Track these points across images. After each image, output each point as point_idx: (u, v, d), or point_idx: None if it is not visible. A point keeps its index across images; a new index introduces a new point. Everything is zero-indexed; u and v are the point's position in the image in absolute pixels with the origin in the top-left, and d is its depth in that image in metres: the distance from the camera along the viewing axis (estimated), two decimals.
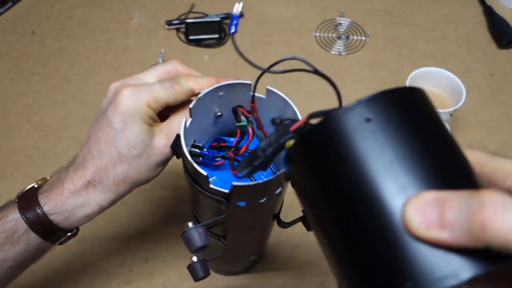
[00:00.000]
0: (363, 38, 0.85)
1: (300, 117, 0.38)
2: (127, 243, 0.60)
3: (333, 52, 0.83)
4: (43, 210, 0.38)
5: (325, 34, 0.86)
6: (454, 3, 0.93)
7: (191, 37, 0.83)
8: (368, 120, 0.22)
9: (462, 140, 0.70)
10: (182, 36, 0.85)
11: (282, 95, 0.41)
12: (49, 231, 0.39)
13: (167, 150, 0.39)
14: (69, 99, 0.75)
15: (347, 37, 0.86)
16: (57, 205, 0.38)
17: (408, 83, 0.63)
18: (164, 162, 0.41)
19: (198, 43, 0.83)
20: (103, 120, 0.38)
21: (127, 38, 0.85)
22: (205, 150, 0.40)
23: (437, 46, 0.84)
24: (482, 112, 0.75)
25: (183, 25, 0.85)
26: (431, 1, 0.93)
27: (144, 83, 0.39)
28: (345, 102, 0.82)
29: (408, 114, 0.22)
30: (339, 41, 0.85)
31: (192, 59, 0.81)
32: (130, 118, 0.37)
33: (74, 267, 0.57)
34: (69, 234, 0.42)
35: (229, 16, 0.87)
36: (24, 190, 0.40)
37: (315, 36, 0.86)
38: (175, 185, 0.65)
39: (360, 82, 0.78)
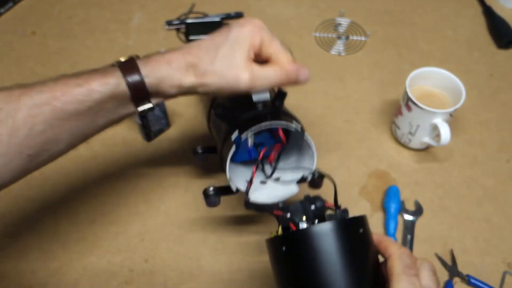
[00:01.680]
0: (363, 38, 0.85)
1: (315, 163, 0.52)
2: (127, 243, 0.60)
3: (333, 52, 0.83)
4: (141, 74, 0.43)
5: (325, 34, 0.86)
6: (454, 3, 0.93)
7: (191, 37, 0.83)
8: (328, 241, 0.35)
9: (462, 140, 0.71)
10: (182, 36, 0.85)
11: (313, 148, 0.51)
12: (140, 94, 0.44)
13: (246, 80, 0.44)
14: None
15: (347, 37, 0.86)
16: (152, 68, 0.43)
17: (408, 83, 0.63)
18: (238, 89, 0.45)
19: None
20: (225, 30, 0.45)
21: (127, 38, 0.85)
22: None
23: (437, 46, 0.84)
24: (481, 112, 0.75)
25: (184, 25, 0.85)
26: (431, 1, 0.93)
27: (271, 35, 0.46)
28: (345, 102, 0.82)
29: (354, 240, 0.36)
30: (339, 41, 0.85)
31: None
32: (242, 44, 0.44)
33: (74, 267, 0.57)
34: (149, 106, 0.45)
35: (229, 16, 0.87)
36: (124, 59, 0.45)
37: (315, 36, 0.86)
38: (176, 185, 0.65)
39: (360, 82, 0.78)
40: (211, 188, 0.53)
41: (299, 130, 0.50)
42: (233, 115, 0.51)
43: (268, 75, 0.45)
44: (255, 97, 0.49)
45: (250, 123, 0.48)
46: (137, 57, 0.45)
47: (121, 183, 0.65)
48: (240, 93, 0.45)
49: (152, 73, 0.44)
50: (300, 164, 0.53)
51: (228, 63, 0.44)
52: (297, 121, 0.52)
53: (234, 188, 0.50)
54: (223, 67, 0.44)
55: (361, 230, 0.37)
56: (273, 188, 0.53)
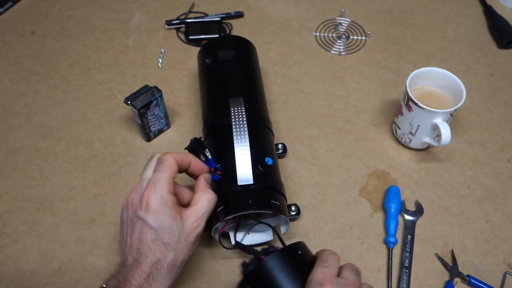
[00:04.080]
0: (363, 38, 0.85)
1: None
2: None
3: (333, 52, 0.83)
4: None
5: (325, 34, 0.86)
6: (454, 3, 0.93)
7: (191, 37, 0.83)
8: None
9: (463, 140, 0.70)
10: (182, 36, 0.85)
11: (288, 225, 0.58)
12: None
13: (198, 229, 0.47)
14: (69, 99, 0.75)
15: (347, 37, 0.85)
16: None
17: (408, 82, 0.63)
18: (198, 238, 0.48)
19: (198, 43, 0.83)
20: (138, 224, 0.45)
21: (127, 38, 0.84)
22: None
23: (437, 46, 0.84)
24: (482, 112, 0.74)
25: (183, 25, 0.85)
26: (431, 1, 0.93)
27: (150, 180, 0.47)
28: (345, 102, 0.82)
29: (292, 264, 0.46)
30: (339, 41, 0.85)
31: (192, 59, 0.80)
32: (162, 213, 0.45)
33: (74, 267, 0.57)
34: None
35: (229, 16, 0.87)
36: None
37: (315, 36, 0.86)
38: None
39: (360, 82, 0.78)
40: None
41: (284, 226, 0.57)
42: (220, 191, 0.53)
43: (201, 201, 0.49)
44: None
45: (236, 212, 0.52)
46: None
47: (121, 183, 0.65)
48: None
49: None
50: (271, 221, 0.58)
51: (175, 237, 0.45)
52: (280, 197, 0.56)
53: (232, 241, 0.57)
54: (175, 245, 0.45)
55: (299, 252, 0.47)
56: (252, 235, 0.58)
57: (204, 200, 0.49)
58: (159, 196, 0.45)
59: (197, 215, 0.47)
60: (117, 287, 0.44)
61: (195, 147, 0.53)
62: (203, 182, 0.51)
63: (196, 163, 0.52)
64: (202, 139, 0.59)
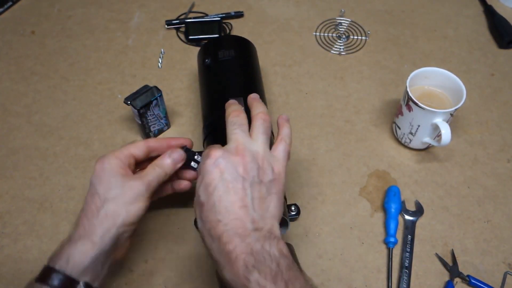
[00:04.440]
0: (363, 38, 0.85)
1: None
2: None
3: (333, 51, 0.83)
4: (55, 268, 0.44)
5: (325, 34, 0.86)
6: (455, 3, 0.93)
7: (191, 37, 0.83)
8: None
9: (463, 140, 0.70)
10: (182, 36, 0.85)
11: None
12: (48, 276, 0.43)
13: (137, 188, 0.48)
14: (69, 99, 0.75)
15: (347, 37, 0.85)
16: (59, 254, 0.44)
17: (408, 82, 0.63)
18: (138, 198, 0.48)
19: (198, 43, 0.83)
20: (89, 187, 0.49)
21: (127, 38, 0.84)
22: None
23: (437, 46, 0.84)
24: (482, 112, 0.74)
25: (183, 25, 0.85)
26: (431, 1, 0.93)
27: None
28: (345, 102, 0.82)
29: None
30: (339, 41, 0.85)
31: (192, 59, 0.80)
32: (102, 171, 0.48)
33: None
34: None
35: (229, 16, 0.87)
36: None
37: (315, 35, 0.86)
38: None
39: (360, 82, 0.78)
40: None
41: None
42: None
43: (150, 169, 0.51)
44: None
45: None
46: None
47: None
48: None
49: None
50: None
51: (111, 191, 0.48)
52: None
53: None
54: (109, 197, 0.48)
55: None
56: None
57: (149, 170, 0.50)
58: (103, 159, 0.49)
59: (139, 178, 0.49)
60: (59, 247, 0.46)
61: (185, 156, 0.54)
62: (162, 157, 0.52)
63: (175, 142, 0.55)
64: (202, 139, 0.59)
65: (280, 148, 0.47)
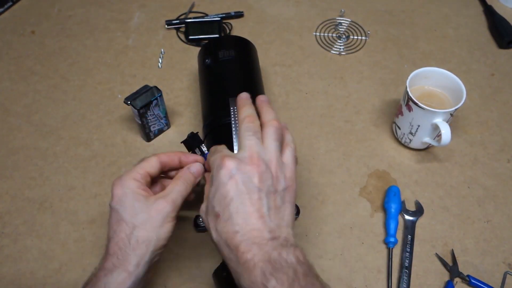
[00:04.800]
0: (363, 38, 0.85)
1: None
2: None
3: (333, 52, 0.83)
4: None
5: (325, 34, 0.86)
6: (454, 3, 0.93)
7: (191, 37, 0.83)
8: None
9: (463, 140, 0.70)
10: (182, 36, 0.85)
11: None
12: None
13: (164, 210, 0.47)
14: (69, 99, 0.75)
15: (347, 37, 0.85)
16: (96, 284, 0.44)
17: (408, 82, 0.63)
18: (166, 219, 0.47)
19: (198, 43, 0.83)
20: (110, 214, 0.47)
21: (127, 38, 0.84)
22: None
23: (437, 46, 0.84)
24: (482, 112, 0.74)
25: (183, 25, 0.85)
26: (431, 1, 0.93)
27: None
28: (345, 102, 0.82)
29: None
30: (339, 41, 0.85)
31: (192, 59, 0.80)
32: (124, 196, 0.47)
33: (74, 267, 0.57)
34: None
35: (229, 16, 0.87)
36: None
37: (315, 35, 0.86)
38: None
39: (360, 82, 0.78)
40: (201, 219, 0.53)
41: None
42: None
43: (172, 187, 0.49)
44: None
45: None
46: None
47: None
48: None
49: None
50: None
51: (138, 216, 0.46)
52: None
53: None
54: (136, 223, 0.46)
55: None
56: None
57: (173, 187, 0.49)
58: (121, 182, 0.47)
59: (163, 197, 0.48)
60: (93, 276, 0.45)
61: (191, 141, 0.54)
62: (182, 172, 0.51)
63: (187, 158, 0.53)
64: (202, 138, 0.59)
65: (288, 154, 0.46)
